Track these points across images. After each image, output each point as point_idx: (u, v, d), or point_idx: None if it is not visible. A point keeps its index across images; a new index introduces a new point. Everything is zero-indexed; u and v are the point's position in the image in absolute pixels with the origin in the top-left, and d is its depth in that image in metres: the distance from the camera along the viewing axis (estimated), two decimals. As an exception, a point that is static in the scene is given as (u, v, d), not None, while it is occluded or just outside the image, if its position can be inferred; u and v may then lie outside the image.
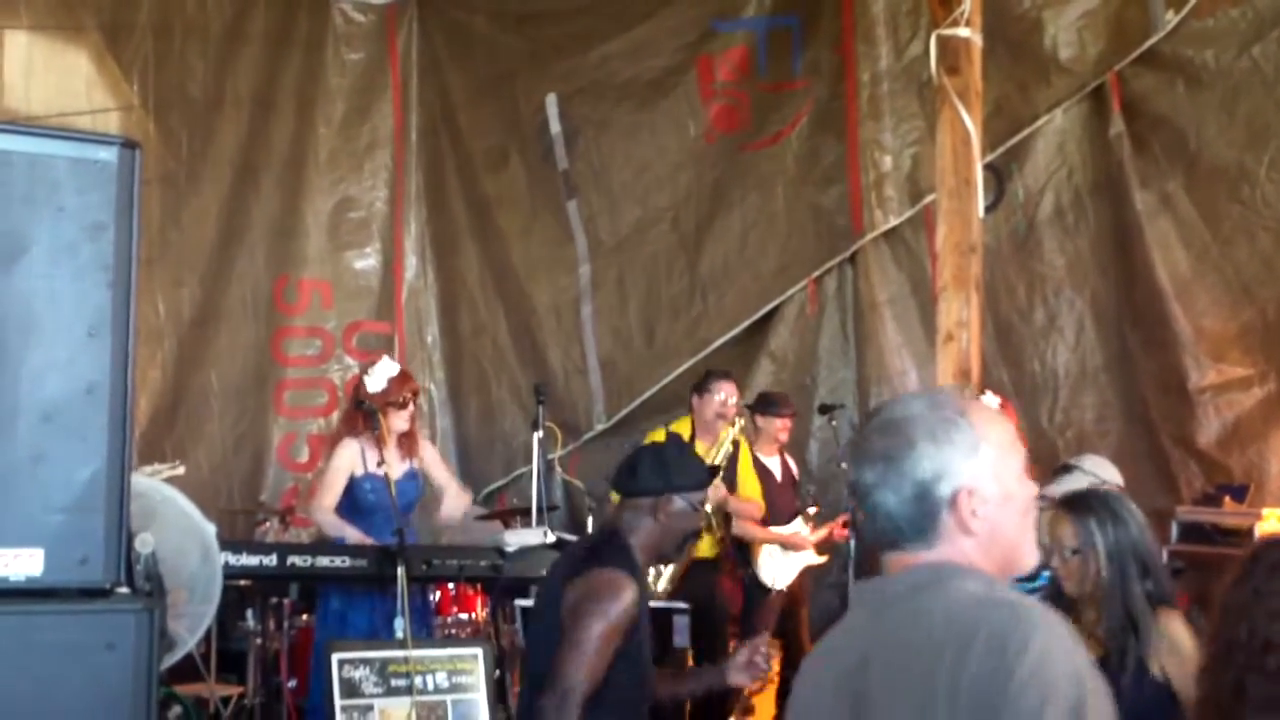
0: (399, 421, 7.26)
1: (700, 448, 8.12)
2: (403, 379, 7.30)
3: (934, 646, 2.14)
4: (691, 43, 10.57)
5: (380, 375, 7.22)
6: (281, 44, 10.95)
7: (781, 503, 8.60)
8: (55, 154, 3.81)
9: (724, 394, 8.19)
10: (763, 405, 8.81)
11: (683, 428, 8.33)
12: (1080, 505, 4.17)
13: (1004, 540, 2.32)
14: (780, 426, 8.72)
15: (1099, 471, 6.12)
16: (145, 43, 10.08)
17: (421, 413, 9.49)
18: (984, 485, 2.29)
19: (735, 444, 8.31)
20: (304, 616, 7.97)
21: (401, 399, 7.23)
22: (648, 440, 8.41)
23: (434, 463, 7.59)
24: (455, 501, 7.63)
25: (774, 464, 8.72)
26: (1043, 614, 2.16)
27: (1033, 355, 9.38)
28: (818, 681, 2.39)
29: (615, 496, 4.87)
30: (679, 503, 4.26)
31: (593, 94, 10.95)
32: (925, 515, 2.28)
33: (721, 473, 8.00)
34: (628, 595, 3.99)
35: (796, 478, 8.95)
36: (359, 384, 7.33)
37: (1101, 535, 4.05)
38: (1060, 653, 2.09)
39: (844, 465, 9.02)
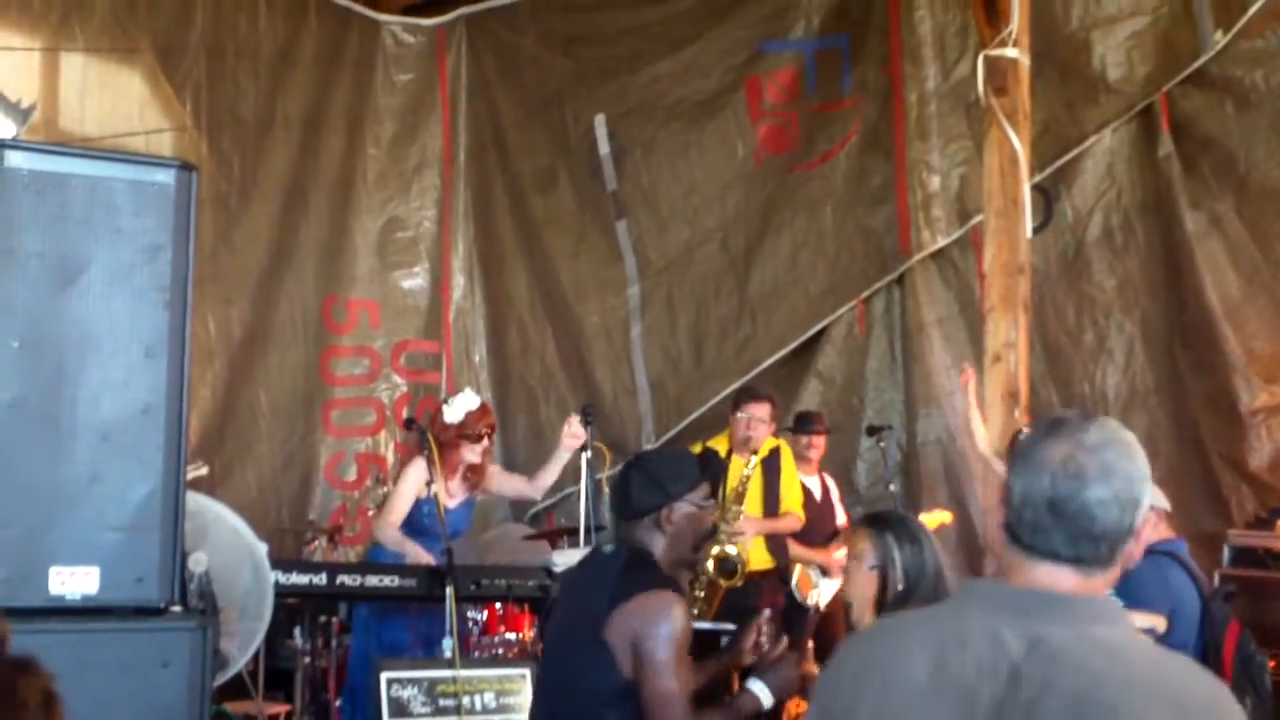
0: (471, 454, 7.24)
1: (736, 463, 8.13)
2: (481, 413, 7.28)
3: (1144, 693, 2.11)
4: (740, 64, 10.58)
5: (459, 407, 7.22)
6: (332, 65, 11.01)
7: (818, 523, 8.57)
8: (114, 176, 3.86)
9: (747, 414, 8.16)
10: (793, 423, 8.79)
11: (721, 443, 8.35)
12: (880, 523, 4.24)
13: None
14: (806, 443, 8.69)
15: (1147, 495, 6.07)
16: (198, 64, 10.15)
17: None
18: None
19: (776, 452, 8.31)
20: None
21: (477, 433, 7.22)
22: (694, 449, 8.48)
23: (500, 478, 7.62)
24: (530, 486, 7.66)
25: (812, 483, 8.69)
26: None
27: (1082, 377, 9.33)
28: (938, 669, 2.24)
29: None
30: (682, 508, 4.21)
31: (641, 115, 10.96)
32: (1125, 539, 2.27)
33: (743, 490, 8.03)
34: (681, 609, 3.98)
35: (835, 499, 8.90)
36: (437, 413, 7.33)
37: (900, 553, 4.12)
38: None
39: (892, 488, 9.00)
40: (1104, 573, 2.26)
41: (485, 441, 7.27)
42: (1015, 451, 2.33)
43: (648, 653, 3.91)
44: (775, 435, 8.43)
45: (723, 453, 8.26)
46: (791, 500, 8.32)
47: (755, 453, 8.16)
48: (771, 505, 8.22)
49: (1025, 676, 2.14)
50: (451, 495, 7.18)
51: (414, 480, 7.13)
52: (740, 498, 8.01)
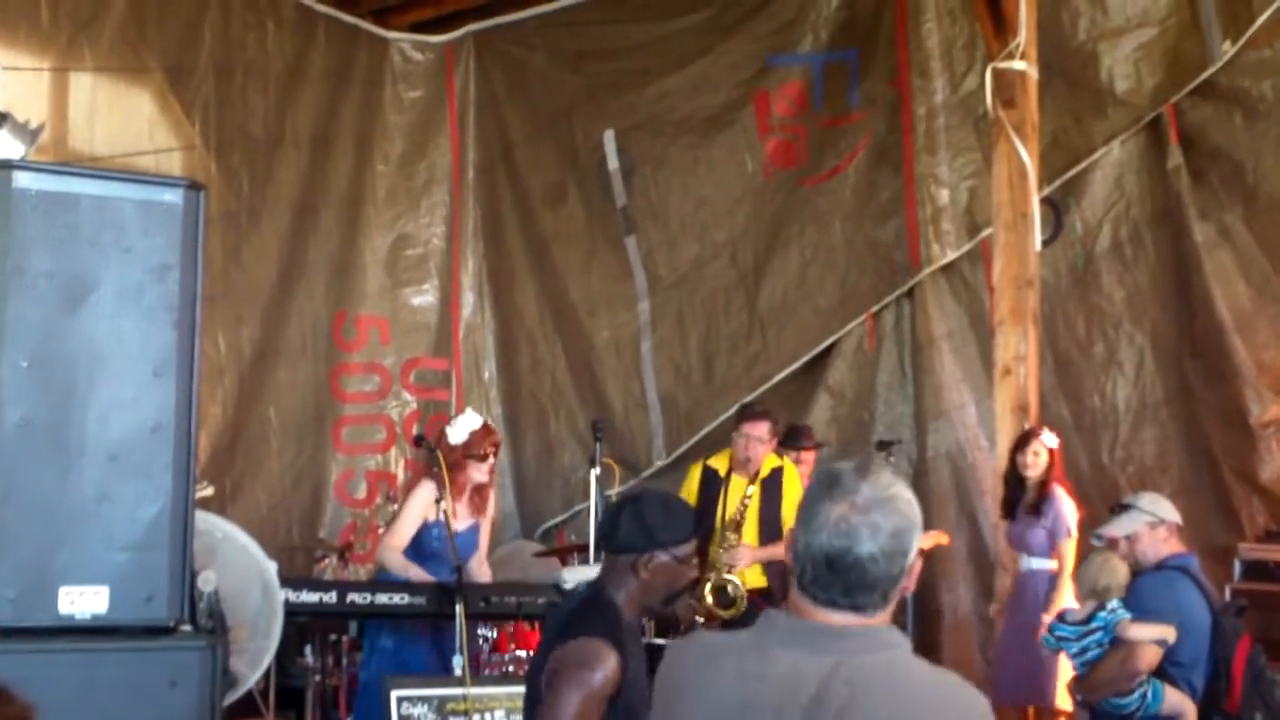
0: (478, 474, 7.22)
1: (736, 483, 8.11)
2: (485, 432, 7.27)
3: (929, 708, 2.43)
4: (748, 78, 10.59)
5: (463, 427, 7.21)
6: (341, 82, 11.02)
7: None
8: (122, 196, 3.86)
9: (744, 433, 8.12)
10: (783, 437, 8.69)
11: (722, 461, 8.33)
12: None
13: None
14: (795, 459, 8.64)
15: (1155, 509, 6.05)
16: (207, 83, 10.16)
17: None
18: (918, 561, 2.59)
19: (779, 473, 8.27)
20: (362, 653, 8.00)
21: (482, 452, 7.21)
22: (693, 470, 8.46)
23: (484, 532, 7.56)
24: (475, 570, 7.40)
25: None
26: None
27: (1092, 389, 9.32)
28: (715, 701, 2.55)
29: None
30: (662, 558, 4.05)
31: (650, 130, 10.97)
32: (896, 585, 2.51)
33: (741, 518, 7.99)
34: (609, 662, 3.79)
35: None
36: (441, 435, 7.32)
37: None
38: None
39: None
40: (881, 612, 2.51)
41: (491, 460, 7.26)
42: (800, 507, 2.58)
43: (550, 691, 3.79)
44: (779, 454, 8.40)
45: (723, 471, 8.25)
46: (793, 520, 8.20)
47: (757, 473, 8.13)
48: (770, 529, 8.14)
49: (824, 702, 2.41)
50: (458, 518, 7.15)
51: (420, 503, 7.10)
52: (737, 526, 7.99)
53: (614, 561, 4.11)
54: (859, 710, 2.38)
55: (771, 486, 8.19)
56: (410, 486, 7.40)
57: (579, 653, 3.81)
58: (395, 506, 8.55)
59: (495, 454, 7.33)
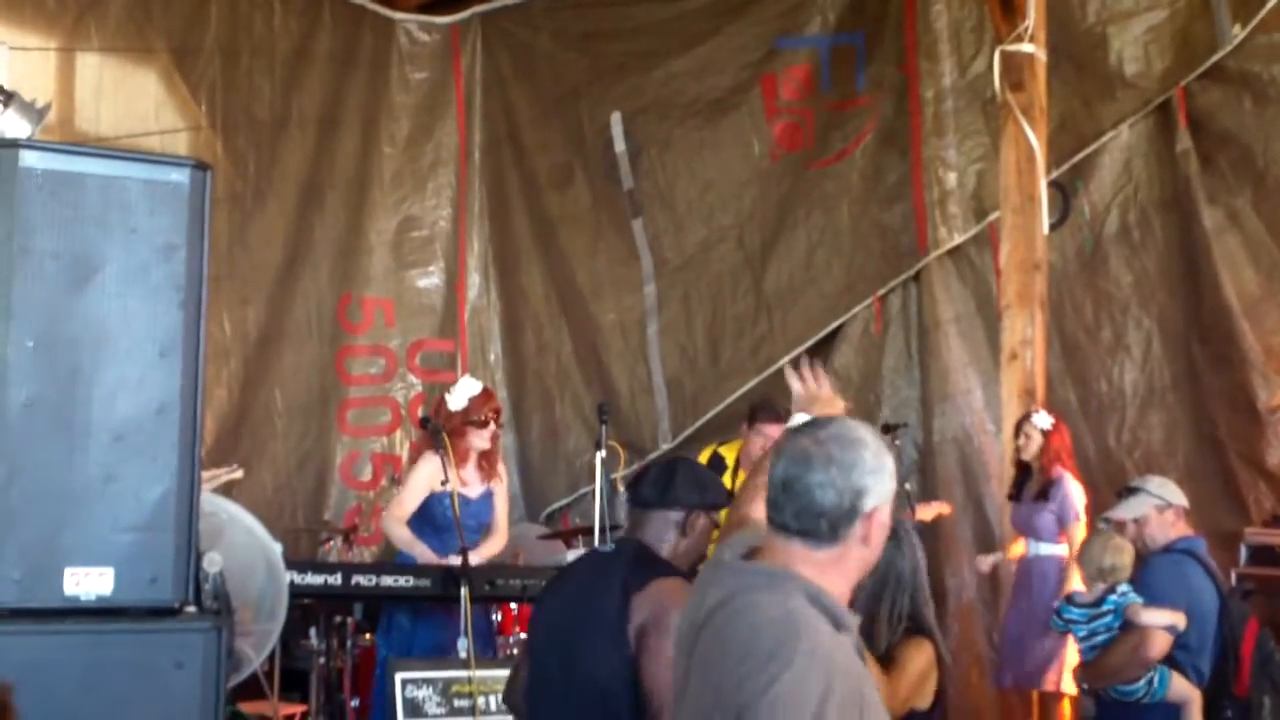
0: (479, 440, 7.21)
1: (742, 476, 8.04)
2: (485, 397, 7.27)
3: (736, 651, 2.61)
4: (755, 61, 10.56)
5: (461, 394, 7.20)
6: (347, 64, 11.01)
7: None
8: (128, 176, 3.85)
9: (762, 436, 7.92)
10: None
11: (732, 451, 8.26)
12: None
13: (873, 557, 2.80)
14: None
15: (1163, 493, 6.05)
16: (213, 64, 10.16)
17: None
18: (884, 512, 2.75)
19: None
20: (367, 636, 7.99)
21: (482, 417, 7.19)
22: (702, 454, 8.40)
23: (500, 497, 7.56)
24: (493, 544, 7.46)
25: None
26: (816, 634, 2.61)
27: (1100, 374, 9.29)
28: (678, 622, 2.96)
29: None
30: (704, 520, 4.17)
31: (657, 112, 10.94)
32: (847, 519, 2.70)
33: None
34: None
35: None
36: (440, 402, 7.31)
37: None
38: (815, 672, 2.53)
39: (907, 486, 8.94)
40: (830, 548, 2.71)
41: (493, 426, 7.24)
42: (775, 442, 2.89)
43: (654, 644, 3.83)
44: None
45: (730, 462, 8.20)
46: None
47: None
48: None
49: (705, 628, 2.74)
50: (468, 484, 7.14)
51: (425, 474, 7.10)
52: None
53: (656, 518, 4.17)
54: (714, 641, 2.68)
55: None
56: (414, 458, 7.39)
57: (668, 598, 3.84)
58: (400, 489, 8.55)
59: (497, 420, 7.31)
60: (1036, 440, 7.83)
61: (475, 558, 6.95)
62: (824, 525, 2.69)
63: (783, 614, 2.61)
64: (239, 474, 7.25)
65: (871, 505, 2.71)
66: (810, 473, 2.69)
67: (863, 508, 2.70)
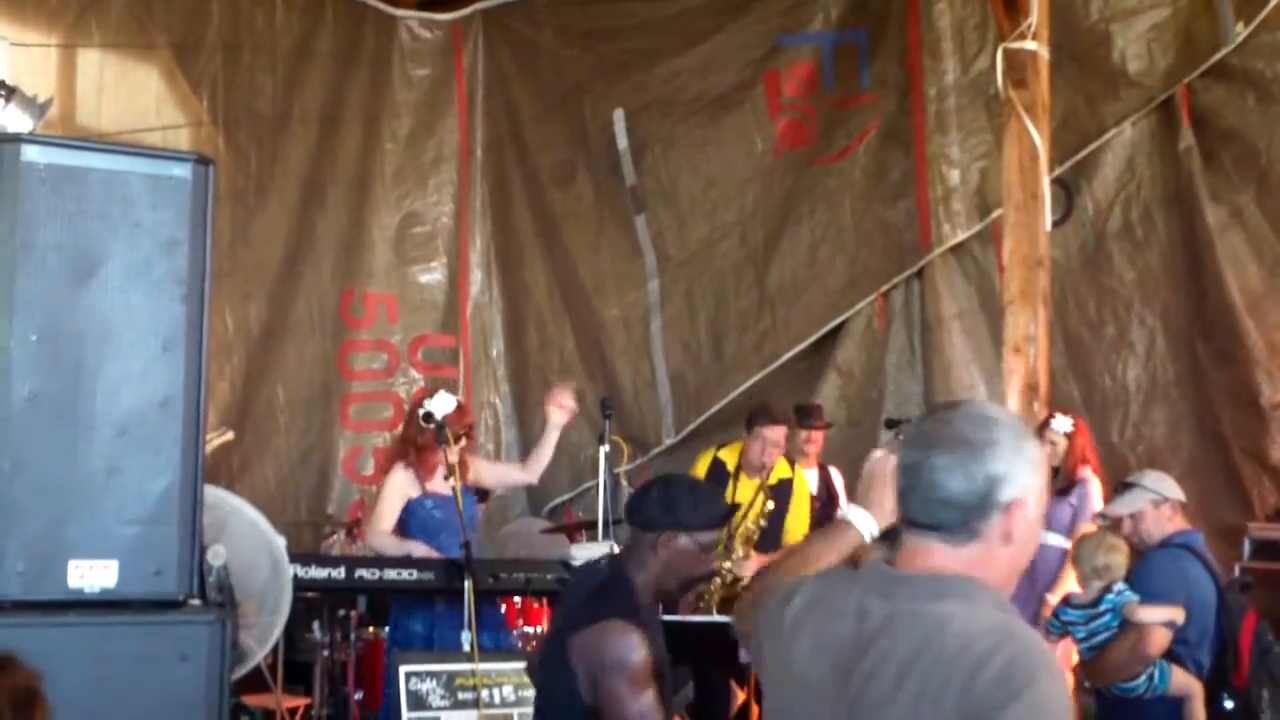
0: (450, 455, 7.22)
1: (745, 484, 8.02)
2: (458, 414, 7.23)
3: (949, 661, 2.24)
4: (758, 58, 10.56)
5: (437, 409, 7.16)
6: (349, 60, 11.01)
7: (819, 516, 8.28)
8: (131, 170, 3.85)
9: (762, 440, 7.97)
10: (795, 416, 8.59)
11: (733, 454, 8.23)
12: None
13: (1023, 559, 2.43)
14: (805, 438, 8.47)
15: (1159, 487, 6.05)
16: (215, 60, 10.17)
17: (484, 429, 9.46)
18: (1032, 503, 2.39)
19: (788, 484, 8.16)
20: (370, 629, 7.99)
21: (455, 434, 7.18)
22: (702, 457, 8.39)
23: (485, 469, 7.56)
24: (523, 474, 7.75)
25: (811, 475, 8.56)
26: (1051, 657, 2.29)
27: (1103, 370, 9.30)
28: (815, 637, 2.48)
29: None
30: (681, 540, 4.04)
31: (660, 109, 10.94)
32: (981, 510, 2.36)
33: (754, 535, 7.90)
34: (633, 637, 3.83)
35: (839, 490, 8.72)
36: (415, 409, 7.26)
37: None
38: (1058, 698, 2.22)
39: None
40: (970, 545, 2.38)
41: (463, 441, 7.19)
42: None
43: (606, 686, 3.81)
44: (788, 456, 8.25)
45: (731, 465, 8.16)
46: (797, 535, 8.01)
47: (767, 476, 7.99)
48: (771, 538, 7.96)
49: (873, 644, 2.33)
50: (440, 491, 7.13)
51: (397, 484, 7.09)
52: (750, 542, 7.86)
53: (634, 538, 4.13)
54: (893, 661, 2.30)
55: (780, 495, 8.05)
56: (385, 469, 7.38)
57: (605, 641, 3.83)
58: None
59: (469, 434, 7.24)
60: (1062, 445, 7.81)
61: (527, 475, 7.52)
62: (955, 516, 2.37)
63: (999, 621, 2.30)
64: (229, 435, 7.25)
65: (1011, 496, 2.36)
66: (935, 455, 2.37)
67: (1000, 498, 2.35)
